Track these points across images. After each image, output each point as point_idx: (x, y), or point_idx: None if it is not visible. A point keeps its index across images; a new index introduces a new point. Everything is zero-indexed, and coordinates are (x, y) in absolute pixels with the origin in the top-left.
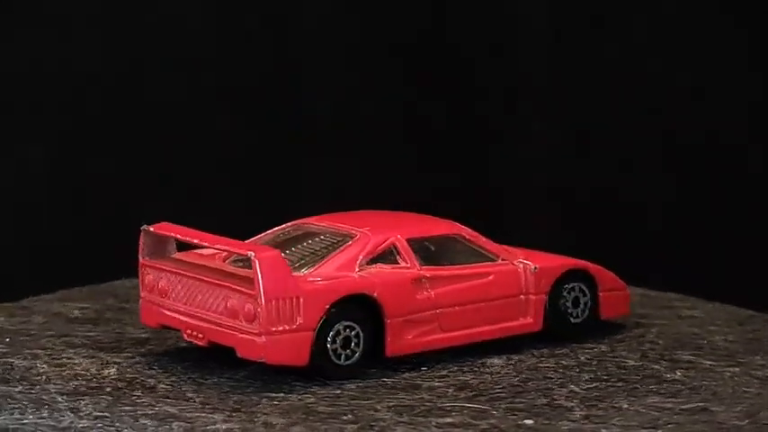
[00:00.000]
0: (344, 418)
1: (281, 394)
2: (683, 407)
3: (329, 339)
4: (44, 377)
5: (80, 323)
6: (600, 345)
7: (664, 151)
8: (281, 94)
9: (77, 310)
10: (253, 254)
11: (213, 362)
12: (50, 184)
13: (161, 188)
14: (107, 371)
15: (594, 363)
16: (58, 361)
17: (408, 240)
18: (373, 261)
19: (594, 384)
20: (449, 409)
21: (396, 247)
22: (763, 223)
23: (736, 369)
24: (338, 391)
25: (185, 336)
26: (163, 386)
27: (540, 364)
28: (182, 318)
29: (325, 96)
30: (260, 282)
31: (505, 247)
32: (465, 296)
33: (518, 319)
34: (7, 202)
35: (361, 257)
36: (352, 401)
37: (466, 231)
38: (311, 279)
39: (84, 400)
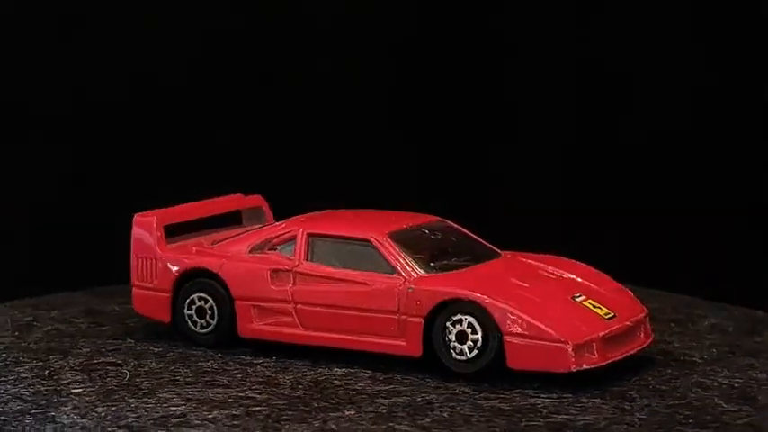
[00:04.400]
0: None
1: None
2: None
3: (185, 306)
4: None
5: None
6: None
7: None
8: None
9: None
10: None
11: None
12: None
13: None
14: None
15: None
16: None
17: (310, 235)
18: (273, 248)
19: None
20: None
21: (295, 240)
22: None
23: None
24: None
25: None
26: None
27: (354, 385)
28: None
29: (326, 98)
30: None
31: (531, 260)
32: (329, 299)
33: (390, 339)
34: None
35: (259, 241)
36: None
37: (380, 240)
38: (197, 249)
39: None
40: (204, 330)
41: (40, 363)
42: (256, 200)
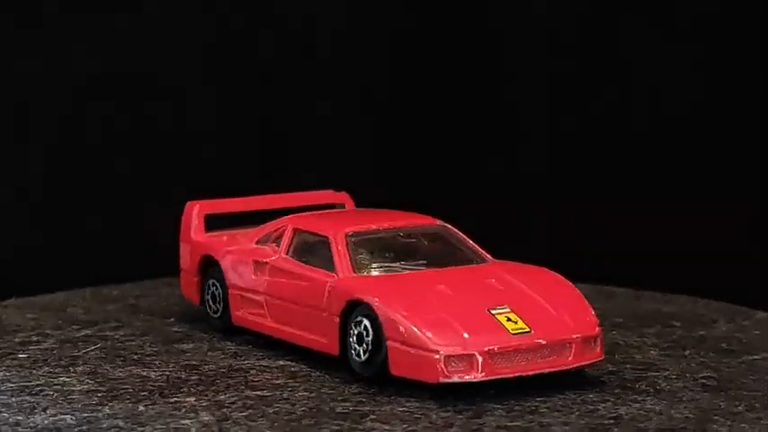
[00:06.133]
0: None
1: None
2: None
3: (206, 291)
4: None
5: None
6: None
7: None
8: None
9: None
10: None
11: None
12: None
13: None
14: None
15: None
16: None
17: (295, 230)
18: (275, 240)
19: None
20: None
21: (284, 233)
22: None
23: None
24: None
25: None
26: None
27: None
28: None
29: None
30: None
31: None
32: (283, 292)
33: (318, 335)
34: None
35: (265, 233)
36: None
37: (335, 239)
38: (228, 238)
39: None
40: (215, 315)
41: (49, 330)
42: (341, 196)
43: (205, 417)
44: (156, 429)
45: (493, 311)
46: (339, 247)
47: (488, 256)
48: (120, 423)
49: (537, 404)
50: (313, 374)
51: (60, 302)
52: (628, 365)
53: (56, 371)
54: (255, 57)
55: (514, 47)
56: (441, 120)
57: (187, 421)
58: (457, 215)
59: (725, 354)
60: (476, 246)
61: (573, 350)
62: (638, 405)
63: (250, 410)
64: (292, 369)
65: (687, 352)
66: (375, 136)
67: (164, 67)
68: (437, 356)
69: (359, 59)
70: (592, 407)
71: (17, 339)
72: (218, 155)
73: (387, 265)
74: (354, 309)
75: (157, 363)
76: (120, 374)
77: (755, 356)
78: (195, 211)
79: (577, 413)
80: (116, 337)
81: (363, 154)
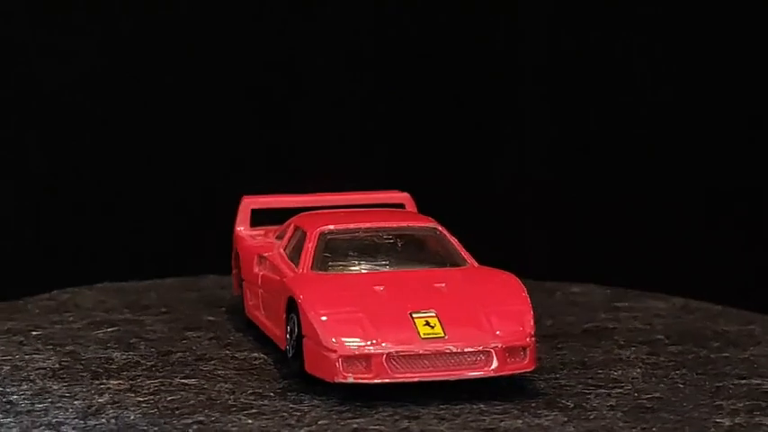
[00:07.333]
0: None
1: None
2: None
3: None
4: None
5: None
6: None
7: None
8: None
9: None
10: None
11: None
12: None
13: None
14: None
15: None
16: None
17: (296, 227)
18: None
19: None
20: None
21: (288, 229)
22: None
23: None
24: None
25: None
26: None
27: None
28: None
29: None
30: None
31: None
32: (265, 286)
33: (275, 329)
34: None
35: (282, 229)
36: None
37: (311, 236)
38: (263, 232)
39: None
40: (243, 306)
41: (97, 312)
42: (402, 197)
43: (100, 400)
44: (37, 405)
45: (414, 315)
46: (309, 244)
47: (470, 260)
48: (14, 399)
49: (430, 410)
50: (265, 369)
51: (142, 289)
52: (588, 381)
53: (41, 348)
54: (255, 57)
55: (514, 47)
56: (441, 120)
57: (78, 402)
58: (457, 215)
59: (714, 377)
60: (461, 249)
61: (493, 359)
62: (529, 420)
63: (151, 396)
64: (254, 362)
65: (675, 372)
66: (375, 136)
67: (164, 67)
68: (334, 356)
69: (359, 60)
70: (481, 417)
71: (55, 318)
72: (218, 155)
73: (347, 264)
74: (293, 305)
75: (144, 347)
76: (92, 356)
77: (741, 381)
78: (241, 206)
79: (455, 423)
80: (146, 321)
81: (363, 154)
